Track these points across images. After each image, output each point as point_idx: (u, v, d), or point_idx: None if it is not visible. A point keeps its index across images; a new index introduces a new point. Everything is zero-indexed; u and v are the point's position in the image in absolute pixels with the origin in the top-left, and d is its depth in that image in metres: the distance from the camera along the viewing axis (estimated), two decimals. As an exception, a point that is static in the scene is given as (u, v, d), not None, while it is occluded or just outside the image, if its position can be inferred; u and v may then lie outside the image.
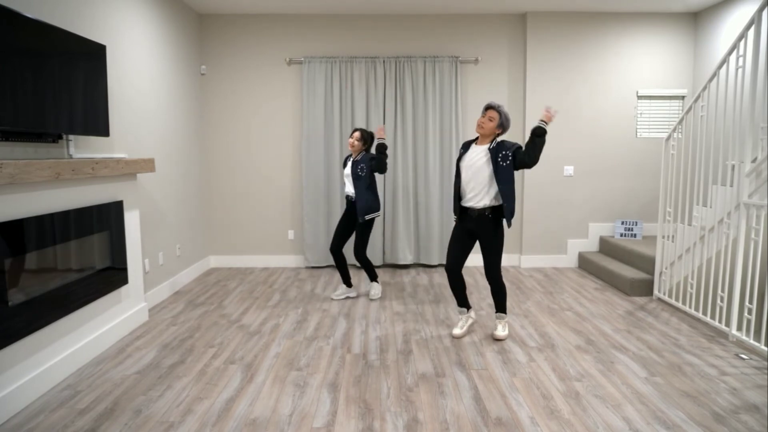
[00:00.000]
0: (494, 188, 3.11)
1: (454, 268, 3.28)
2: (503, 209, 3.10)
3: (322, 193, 5.22)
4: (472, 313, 3.49)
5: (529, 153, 2.98)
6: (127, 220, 3.45)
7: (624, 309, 3.94)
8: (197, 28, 5.11)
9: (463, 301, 3.40)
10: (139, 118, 3.90)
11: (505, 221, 3.19)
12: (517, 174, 5.33)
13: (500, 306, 3.33)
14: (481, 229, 3.17)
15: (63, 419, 2.34)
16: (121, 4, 3.65)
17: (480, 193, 3.12)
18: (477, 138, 3.26)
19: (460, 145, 3.28)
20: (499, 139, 3.15)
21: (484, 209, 3.13)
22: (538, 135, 2.97)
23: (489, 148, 3.11)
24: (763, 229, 3.50)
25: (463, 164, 3.19)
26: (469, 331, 3.46)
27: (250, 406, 2.46)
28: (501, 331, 3.32)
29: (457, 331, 3.37)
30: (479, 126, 3.14)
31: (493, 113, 3.11)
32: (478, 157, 3.13)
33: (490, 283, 3.27)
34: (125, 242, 3.41)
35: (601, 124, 5.26)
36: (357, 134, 3.98)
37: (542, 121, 3.00)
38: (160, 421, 2.32)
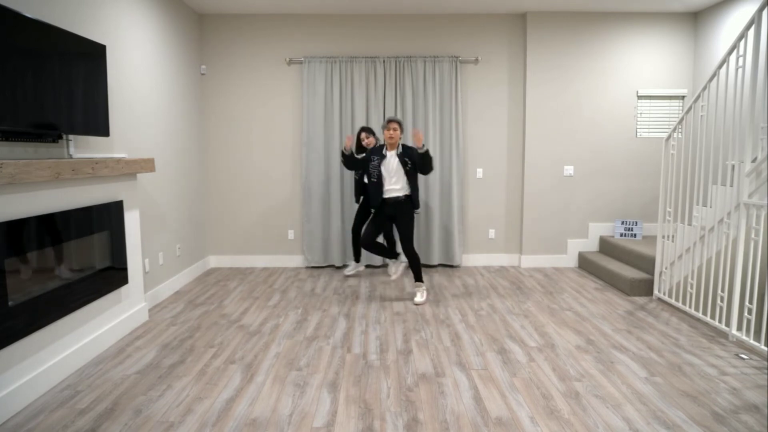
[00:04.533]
0: (406, 181, 4.03)
1: (367, 239, 4.04)
2: (412, 196, 4.05)
3: (322, 193, 5.22)
4: (400, 260, 4.43)
5: (420, 169, 3.95)
6: (127, 220, 3.45)
7: (624, 309, 3.94)
8: (197, 28, 5.11)
9: (388, 254, 4.27)
10: (139, 118, 3.90)
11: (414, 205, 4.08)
12: (517, 177, 5.37)
13: (417, 275, 4.10)
14: (398, 212, 4.01)
15: (63, 419, 2.34)
16: (121, 4, 3.65)
17: (399, 186, 4.01)
18: (385, 145, 4.07)
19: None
20: (402, 142, 4.08)
21: (400, 197, 4.01)
22: (422, 155, 3.83)
23: (398, 154, 3.99)
24: (763, 229, 3.50)
25: (384, 167, 4.03)
26: (405, 273, 4.35)
27: (250, 406, 2.46)
28: (420, 297, 4.07)
29: (393, 276, 4.32)
30: (390, 137, 3.96)
31: (395, 125, 3.95)
32: (395, 161, 3.99)
33: (406, 255, 4.04)
34: (125, 242, 3.41)
35: (601, 124, 5.26)
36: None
37: (418, 148, 3.82)
38: (160, 421, 2.32)
